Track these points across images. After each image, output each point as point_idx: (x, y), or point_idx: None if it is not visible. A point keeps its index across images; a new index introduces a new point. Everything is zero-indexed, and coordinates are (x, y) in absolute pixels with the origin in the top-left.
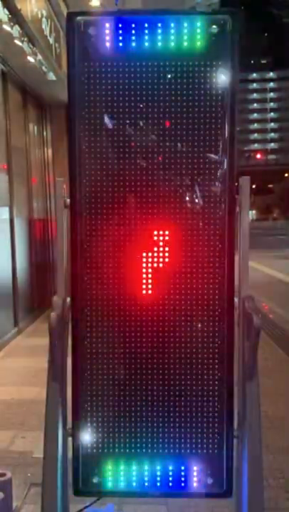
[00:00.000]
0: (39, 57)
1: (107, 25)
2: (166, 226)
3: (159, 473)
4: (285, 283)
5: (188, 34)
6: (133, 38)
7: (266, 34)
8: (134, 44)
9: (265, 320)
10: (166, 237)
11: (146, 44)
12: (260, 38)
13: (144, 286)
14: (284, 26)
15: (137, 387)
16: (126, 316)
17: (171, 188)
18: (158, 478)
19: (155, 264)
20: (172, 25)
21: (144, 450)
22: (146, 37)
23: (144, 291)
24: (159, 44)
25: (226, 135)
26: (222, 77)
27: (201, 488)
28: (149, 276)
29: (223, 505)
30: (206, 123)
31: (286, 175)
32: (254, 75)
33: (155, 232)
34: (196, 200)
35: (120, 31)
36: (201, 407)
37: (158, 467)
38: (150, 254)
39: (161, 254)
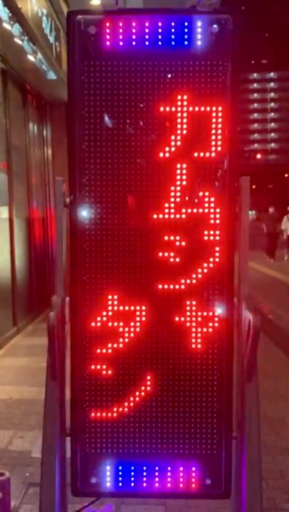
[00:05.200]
0: (39, 56)
1: (108, 24)
2: (166, 226)
3: (157, 473)
4: (285, 284)
5: (189, 33)
6: (133, 37)
7: (267, 34)
8: (134, 43)
9: (265, 320)
10: (166, 237)
11: (147, 43)
12: (261, 38)
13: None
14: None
15: (136, 388)
16: (125, 315)
17: (171, 188)
18: (156, 479)
19: (154, 264)
20: (173, 24)
21: (142, 451)
22: (147, 36)
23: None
24: (160, 43)
25: (227, 135)
26: (222, 77)
27: (199, 489)
28: (148, 276)
29: (222, 506)
30: (207, 123)
31: (286, 175)
32: (254, 75)
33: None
34: (196, 201)
35: (120, 30)
36: (200, 408)
37: (156, 468)
38: (150, 254)
39: (160, 254)
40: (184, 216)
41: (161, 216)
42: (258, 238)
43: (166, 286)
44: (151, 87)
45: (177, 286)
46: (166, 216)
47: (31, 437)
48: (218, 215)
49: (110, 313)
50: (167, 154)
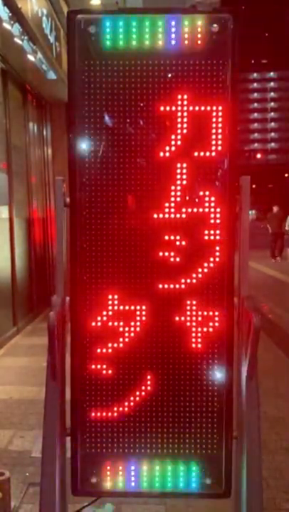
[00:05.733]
0: (39, 55)
1: (108, 23)
2: (166, 226)
3: (157, 473)
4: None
5: (189, 33)
6: (134, 36)
7: (267, 34)
8: (134, 43)
9: (265, 320)
10: (166, 237)
11: (147, 43)
12: (261, 37)
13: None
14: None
15: (136, 388)
16: (125, 315)
17: (171, 188)
18: (156, 479)
19: (155, 264)
20: (173, 23)
21: (142, 450)
22: (147, 35)
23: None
24: (160, 43)
25: (227, 134)
26: (223, 76)
27: (199, 489)
28: (149, 275)
29: (222, 505)
30: (207, 122)
31: (286, 175)
32: (254, 74)
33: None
34: (197, 200)
35: (121, 30)
36: (200, 408)
37: (157, 467)
38: (150, 254)
39: (160, 254)
40: (184, 216)
41: (161, 216)
42: (258, 238)
43: (166, 286)
44: (152, 86)
45: (177, 286)
46: (167, 216)
47: (31, 437)
48: (218, 215)
49: (110, 313)
50: (167, 154)
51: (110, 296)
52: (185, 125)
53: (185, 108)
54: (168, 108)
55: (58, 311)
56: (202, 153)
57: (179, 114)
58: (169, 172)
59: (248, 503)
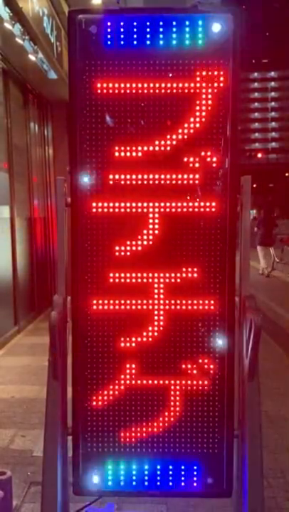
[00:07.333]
0: (40, 55)
1: (109, 23)
2: (167, 226)
3: (158, 472)
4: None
5: (190, 32)
6: (134, 36)
7: (267, 33)
8: (135, 42)
9: (265, 319)
10: (167, 237)
11: (148, 42)
12: (262, 37)
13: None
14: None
15: (137, 386)
16: (126, 314)
17: (173, 187)
18: (158, 478)
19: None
20: (174, 23)
21: (144, 449)
22: (148, 35)
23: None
24: (161, 42)
25: (228, 134)
26: (223, 76)
27: (201, 488)
28: (150, 275)
29: (223, 504)
30: (208, 122)
31: (287, 174)
32: (255, 74)
33: (156, 232)
34: (198, 200)
35: (121, 29)
36: (201, 407)
37: (158, 466)
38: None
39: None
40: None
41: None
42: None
43: (167, 281)
44: (152, 86)
45: (178, 281)
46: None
47: (33, 436)
48: (219, 214)
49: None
50: (169, 154)
51: (112, 296)
52: (186, 125)
53: (186, 108)
54: (168, 108)
55: (59, 310)
56: (203, 153)
57: (180, 114)
58: (171, 172)
59: (249, 502)
